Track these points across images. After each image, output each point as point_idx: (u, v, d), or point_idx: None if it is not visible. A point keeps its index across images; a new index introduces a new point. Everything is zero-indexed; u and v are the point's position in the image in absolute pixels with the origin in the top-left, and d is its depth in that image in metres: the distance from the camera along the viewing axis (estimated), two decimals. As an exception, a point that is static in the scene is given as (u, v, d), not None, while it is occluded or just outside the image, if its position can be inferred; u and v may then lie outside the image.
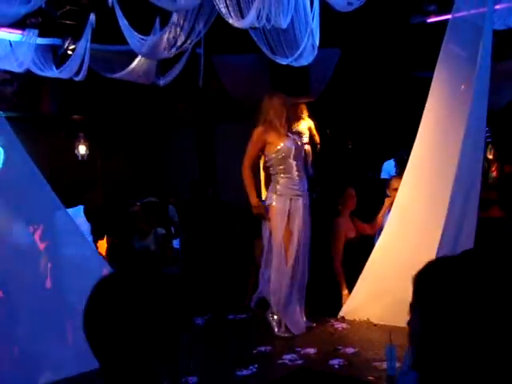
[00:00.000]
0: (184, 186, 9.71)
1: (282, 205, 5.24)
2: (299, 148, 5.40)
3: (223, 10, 5.72)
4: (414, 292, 1.34)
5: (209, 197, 9.55)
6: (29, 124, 9.73)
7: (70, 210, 6.64)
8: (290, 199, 5.26)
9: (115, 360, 1.38)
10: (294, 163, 5.29)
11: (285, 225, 5.22)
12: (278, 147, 5.26)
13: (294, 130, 5.66)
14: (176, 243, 8.51)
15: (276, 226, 5.23)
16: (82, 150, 10.91)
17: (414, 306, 1.34)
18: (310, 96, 10.04)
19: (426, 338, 1.28)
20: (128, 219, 7.27)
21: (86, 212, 6.75)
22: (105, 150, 11.15)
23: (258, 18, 5.67)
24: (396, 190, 5.57)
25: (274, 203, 5.27)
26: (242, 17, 5.69)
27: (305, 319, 5.48)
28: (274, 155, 5.27)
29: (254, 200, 5.31)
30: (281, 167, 5.27)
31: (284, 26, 5.96)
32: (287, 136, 5.33)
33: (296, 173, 5.31)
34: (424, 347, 1.28)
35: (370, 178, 9.88)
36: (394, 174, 8.64)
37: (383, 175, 9.12)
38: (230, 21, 5.72)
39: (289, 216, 5.25)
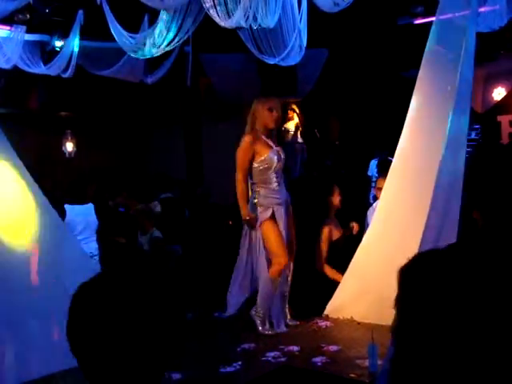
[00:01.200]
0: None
1: (266, 215, 5.29)
2: (281, 161, 5.40)
3: (210, 10, 5.76)
4: (398, 287, 1.29)
5: (197, 196, 9.58)
6: (16, 120, 9.69)
7: (80, 207, 6.70)
8: (273, 208, 5.31)
9: (97, 365, 1.30)
10: (274, 175, 5.34)
11: (271, 228, 5.28)
12: (262, 158, 5.27)
13: (282, 129, 5.64)
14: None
15: (268, 232, 5.28)
16: (70, 147, 10.89)
17: (396, 301, 1.29)
18: (297, 96, 10.10)
19: (405, 333, 1.25)
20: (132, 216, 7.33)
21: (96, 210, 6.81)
22: (92, 148, 11.13)
23: (244, 17, 5.70)
24: (381, 189, 5.65)
25: (257, 215, 5.33)
26: (229, 16, 5.73)
27: (289, 317, 5.54)
28: (256, 165, 5.30)
29: (244, 213, 5.33)
30: (261, 177, 5.31)
31: (271, 26, 6.01)
32: (271, 147, 5.35)
33: (275, 184, 5.35)
34: (401, 342, 1.26)
35: (328, 166, 10.01)
36: (376, 175, 8.76)
37: (370, 173, 9.21)
38: (217, 20, 5.76)
39: (275, 221, 5.31)
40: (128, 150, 11.23)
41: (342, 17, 8.53)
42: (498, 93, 10.52)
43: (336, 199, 6.24)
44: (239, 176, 5.32)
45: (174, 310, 1.36)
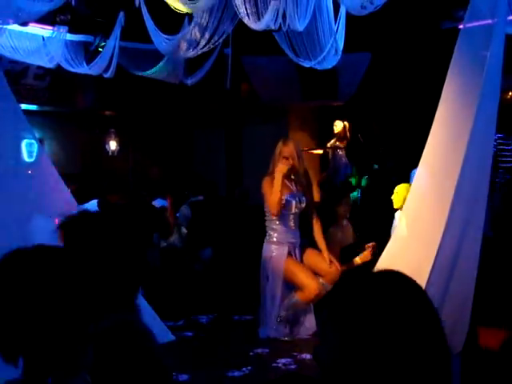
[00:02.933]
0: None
1: (282, 252, 5.35)
2: (299, 205, 5.41)
3: (241, 11, 5.74)
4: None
5: (235, 198, 9.58)
6: (61, 118, 9.94)
7: (84, 205, 6.80)
8: (288, 247, 5.36)
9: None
10: (292, 216, 5.41)
11: (290, 261, 5.34)
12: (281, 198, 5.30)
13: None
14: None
15: (277, 272, 5.30)
16: (113, 145, 11.08)
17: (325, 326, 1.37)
18: (339, 100, 9.99)
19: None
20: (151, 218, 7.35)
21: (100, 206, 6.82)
22: (135, 147, 11.30)
23: (273, 20, 5.67)
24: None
25: (273, 253, 5.36)
26: (259, 19, 5.71)
27: (307, 325, 5.46)
28: None
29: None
30: (278, 216, 5.35)
31: (300, 29, 5.94)
32: (291, 190, 5.38)
33: (291, 223, 5.43)
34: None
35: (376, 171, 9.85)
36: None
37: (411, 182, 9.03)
38: (247, 22, 5.74)
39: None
40: (169, 150, 11.34)
41: (384, 20, 8.44)
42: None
43: (341, 209, 6.21)
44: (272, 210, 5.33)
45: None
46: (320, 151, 10.80)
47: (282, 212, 5.34)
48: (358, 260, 5.72)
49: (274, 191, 5.21)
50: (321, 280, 5.32)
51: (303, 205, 5.42)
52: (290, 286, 5.38)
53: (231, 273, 7.37)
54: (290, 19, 5.67)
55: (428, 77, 9.81)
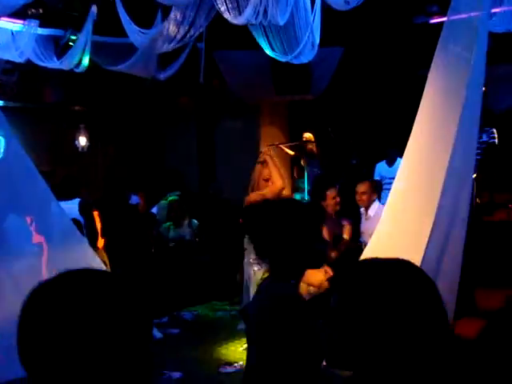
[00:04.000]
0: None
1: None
2: None
3: (220, 6, 5.70)
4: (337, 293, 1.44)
5: (209, 194, 9.55)
6: (30, 114, 9.73)
7: (67, 203, 6.68)
8: None
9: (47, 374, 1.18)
10: None
11: None
12: None
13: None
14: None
15: None
16: (83, 141, 10.90)
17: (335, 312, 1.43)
18: (311, 94, 10.01)
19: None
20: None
21: (81, 206, 6.71)
22: (105, 142, 11.14)
23: (254, 14, 5.64)
24: (363, 193, 6.19)
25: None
26: (240, 13, 5.67)
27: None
28: None
29: None
30: None
31: (281, 23, 5.93)
32: None
33: None
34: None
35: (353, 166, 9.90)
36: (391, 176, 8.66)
37: (375, 177, 9.11)
38: (227, 16, 5.70)
39: None
40: (140, 145, 11.21)
41: (357, 15, 8.48)
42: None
43: (328, 203, 6.24)
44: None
45: (136, 321, 1.24)
46: (292, 153, 10.80)
47: None
48: (345, 237, 5.85)
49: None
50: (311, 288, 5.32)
51: None
52: None
53: (212, 265, 7.37)
54: (271, 13, 5.65)
55: (400, 71, 9.95)
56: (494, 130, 8.90)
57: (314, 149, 10.22)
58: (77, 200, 6.72)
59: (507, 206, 8.20)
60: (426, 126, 4.71)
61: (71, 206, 6.55)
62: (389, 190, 8.02)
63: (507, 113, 10.41)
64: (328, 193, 6.20)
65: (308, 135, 10.23)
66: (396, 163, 8.81)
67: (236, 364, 4.44)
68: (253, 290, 5.29)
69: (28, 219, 5.27)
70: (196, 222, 7.12)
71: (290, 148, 10.16)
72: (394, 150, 9.05)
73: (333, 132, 11.28)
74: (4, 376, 4.00)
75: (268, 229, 2.28)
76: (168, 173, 9.41)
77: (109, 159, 11.15)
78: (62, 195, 6.56)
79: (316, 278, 5.37)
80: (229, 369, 4.36)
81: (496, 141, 8.87)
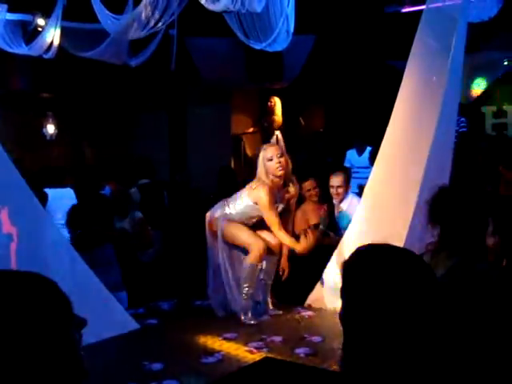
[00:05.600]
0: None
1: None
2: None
3: (198, -8, 5.63)
4: (342, 279, 1.50)
5: (177, 182, 9.47)
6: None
7: (59, 191, 6.60)
8: None
9: None
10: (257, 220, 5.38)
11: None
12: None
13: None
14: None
15: (236, 232, 5.31)
16: (51, 129, 10.70)
17: (341, 291, 1.50)
18: (283, 82, 10.00)
19: (350, 320, 1.45)
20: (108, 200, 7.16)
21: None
22: (73, 130, 10.96)
23: (232, 1, 5.59)
24: (339, 187, 6.14)
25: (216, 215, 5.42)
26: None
27: (271, 307, 5.50)
28: (253, 205, 5.25)
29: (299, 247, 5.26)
30: (247, 212, 5.31)
31: (258, 10, 5.91)
32: (274, 202, 5.26)
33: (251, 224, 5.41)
34: (348, 329, 1.46)
35: (329, 163, 9.90)
36: (360, 165, 8.73)
37: (346, 163, 9.15)
38: (204, 3, 5.63)
39: None
40: (111, 134, 11.05)
41: (329, 3, 8.49)
42: (480, 84, 10.49)
43: (306, 194, 6.27)
44: (278, 226, 5.19)
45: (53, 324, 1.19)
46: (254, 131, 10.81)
47: (252, 215, 5.35)
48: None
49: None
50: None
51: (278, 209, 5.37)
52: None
53: (182, 256, 7.32)
54: (248, 0, 5.61)
55: (371, 59, 9.98)
56: (464, 120, 9.01)
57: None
58: (69, 189, 6.69)
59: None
60: (406, 114, 4.76)
61: (66, 195, 6.64)
62: (356, 178, 8.14)
63: (475, 102, 10.57)
64: (303, 185, 6.21)
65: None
66: (365, 152, 8.87)
67: (217, 354, 4.41)
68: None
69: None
70: (139, 214, 6.97)
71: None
72: (363, 139, 9.12)
73: (303, 120, 11.32)
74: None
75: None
76: (138, 161, 9.29)
77: (77, 147, 10.98)
78: (47, 183, 6.55)
79: (275, 241, 5.42)
80: (210, 359, 4.33)
81: (466, 130, 8.98)
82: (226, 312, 5.41)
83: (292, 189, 5.40)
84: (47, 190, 6.70)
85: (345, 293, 1.48)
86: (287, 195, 5.40)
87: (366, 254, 1.49)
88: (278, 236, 5.25)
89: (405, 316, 1.35)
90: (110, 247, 5.64)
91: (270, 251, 5.37)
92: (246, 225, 5.36)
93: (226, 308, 5.42)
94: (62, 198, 6.68)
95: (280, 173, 5.17)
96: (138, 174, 8.44)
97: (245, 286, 5.23)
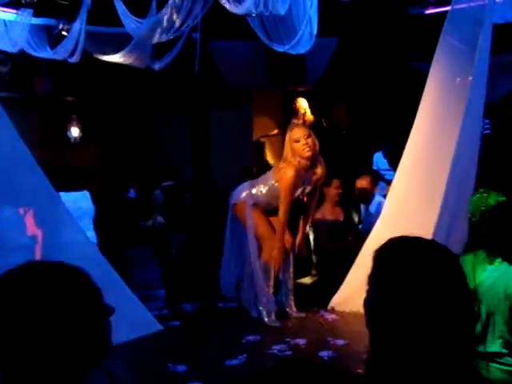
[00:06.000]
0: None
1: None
2: (300, 195, 5.33)
3: (222, -3, 5.64)
4: (372, 264, 1.51)
5: (203, 185, 9.51)
6: (22, 105, 9.62)
7: (75, 194, 6.65)
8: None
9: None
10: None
11: (256, 215, 5.30)
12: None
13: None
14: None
15: (257, 222, 5.25)
16: (75, 132, 10.80)
17: (370, 277, 1.52)
18: (306, 84, 9.98)
19: (376, 307, 1.47)
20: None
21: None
22: (97, 133, 11.05)
23: (255, 4, 5.60)
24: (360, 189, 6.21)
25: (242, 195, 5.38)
26: (240, 3, 5.63)
27: (295, 310, 5.48)
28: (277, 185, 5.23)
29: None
30: (272, 194, 5.26)
31: (282, 12, 5.90)
32: (301, 183, 5.24)
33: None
34: (373, 315, 1.49)
35: (351, 164, 9.84)
36: (386, 168, 8.66)
37: (374, 167, 9.08)
38: (227, 6, 5.65)
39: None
40: (134, 136, 11.13)
41: (352, 5, 8.45)
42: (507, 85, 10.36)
43: (332, 191, 6.24)
44: (286, 211, 5.18)
45: (86, 309, 1.36)
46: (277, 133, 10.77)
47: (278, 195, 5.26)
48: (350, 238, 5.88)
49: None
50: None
51: (305, 194, 5.35)
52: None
53: (205, 258, 7.34)
54: (272, 3, 5.61)
55: (395, 61, 9.92)
56: (488, 121, 8.90)
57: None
58: (86, 192, 6.72)
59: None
60: (430, 116, 4.72)
61: (82, 198, 6.64)
62: (383, 181, 8.08)
63: (501, 103, 10.44)
64: (334, 182, 6.20)
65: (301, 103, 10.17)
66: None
67: (241, 356, 4.41)
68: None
69: (21, 210, 5.20)
70: (162, 219, 7.02)
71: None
72: (390, 141, 9.05)
73: (326, 122, 11.27)
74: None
75: None
76: (160, 164, 9.34)
77: (101, 150, 11.06)
78: (63, 186, 6.59)
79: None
80: (234, 361, 4.33)
81: (490, 131, 8.87)
82: (258, 312, 5.38)
83: (319, 170, 5.30)
84: (62, 194, 6.75)
85: (374, 279, 1.49)
86: (314, 177, 5.32)
87: (398, 244, 1.50)
88: (280, 216, 5.19)
89: (431, 307, 1.35)
90: (147, 247, 5.68)
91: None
92: (271, 208, 5.29)
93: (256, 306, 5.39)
94: (78, 201, 6.68)
95: (307, 154, 5.10)
96: (161, 176, 8.49)
97: (262, 283, 5.23)
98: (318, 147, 5.21)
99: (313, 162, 5.20)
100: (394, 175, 5.58)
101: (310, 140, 5.10)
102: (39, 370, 1.30)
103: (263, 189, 5.27)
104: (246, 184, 5.48)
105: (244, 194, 5.35)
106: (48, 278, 1.37)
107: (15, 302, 1.31)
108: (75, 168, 7.94)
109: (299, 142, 5.08)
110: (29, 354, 1.29)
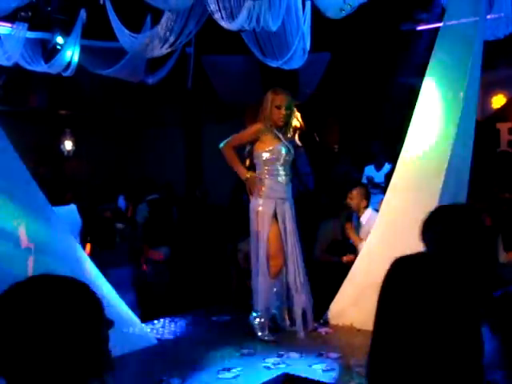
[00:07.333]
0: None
1: (268, 209, 5.23)
2: (289, 154, 5.35)
3: (214, 12, 5.70)
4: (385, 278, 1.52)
5: (196, 197, 9.54)
6: (15, 118, 9.64)
7: (62, 208, 6.63)
8: (276, 202, 5.25)
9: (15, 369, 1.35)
10: (282, 168, 5.30)
11: (271, 228, 5.22)
12: (270, 148, 5.24)
13: (288, 136, 5.45)
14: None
15: (263, 230, 5.23)
16: (68, 145, 10.82)
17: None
18: (299, 99, 10.03)
19: (380, 326, 1.45)
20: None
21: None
22: (91, 147, 11.07)
23: (248, 20, 5.66)
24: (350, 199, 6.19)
25: (260, 208, 5.25)
26: (233, 19, 5.68)
27: (288, 323, 5.48)
28: (263, 154, 5.25)
29: (243, 173, 5.29)
30: (267, 168, 5.26)
31: (274, 29, 5.96)
32: (280, 140, 5.30)
33: (283, 177, 5.30)
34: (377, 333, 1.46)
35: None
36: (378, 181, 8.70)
37: (363, 180, 9.11)
38: (221, 23, 5.70)
39: (276, 218, 5.24)
40: (127, 150, 11.16)
41: (345, 21, 8.54)
42: (497, 100, 10.47)
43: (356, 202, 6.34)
44: (231, 142, 5.32)
45: (87, 322, 1.38)
46: None
47: (271, 162, 5.26)
48: (344, 258, 5.91)
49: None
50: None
51: (291, 155, 5.37)
52: None
53: (194, 272, 7.36)
54: (264, 19, 5.67)
55: (387, 77, 10.01)
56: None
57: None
58: (73, 205, 6.70)
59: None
60: (424, 132, 4.77)
61: (69, 212, 6.62)
62: (375, 194, 8.11)
63: (490, 118, 10.54)
64: (354, 192, 6.27)
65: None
66: (383, 168, 8.85)
67: (235, 370, 4.42)
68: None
69: (14, 222, 5.20)
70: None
71: None
72: (382, 154, 9.08)
73: (318, 137, 11.31)
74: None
75: None
76: (142, 180, 9.35)
77: (94, 164, 11.08)
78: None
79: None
80: (227, 374, 4.34)
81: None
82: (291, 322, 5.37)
83: (297, 122, 5.43)
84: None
85: (384, 293, 1.48)
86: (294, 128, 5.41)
87: (414, 260, 1.50)
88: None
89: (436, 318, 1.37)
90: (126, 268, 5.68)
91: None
92: (276, 173, 5.28)
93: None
94: (66, 216, 6.65)
95: (281, 123, 5.26)
96: (145, 190, 8.52)
97: (259, 314, 5.24)
98: (295, 119, 5.39)
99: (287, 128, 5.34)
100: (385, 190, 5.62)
101: (289, 112, 5.26)
102: (42, 379, 1.33)
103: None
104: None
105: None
106: (54, 290, 1.40)
107: (21, 314, 1.34)
108: (63, 181, 7.96)
109: (280, 109, 5.20)
110: (33, 363, 1.32)
